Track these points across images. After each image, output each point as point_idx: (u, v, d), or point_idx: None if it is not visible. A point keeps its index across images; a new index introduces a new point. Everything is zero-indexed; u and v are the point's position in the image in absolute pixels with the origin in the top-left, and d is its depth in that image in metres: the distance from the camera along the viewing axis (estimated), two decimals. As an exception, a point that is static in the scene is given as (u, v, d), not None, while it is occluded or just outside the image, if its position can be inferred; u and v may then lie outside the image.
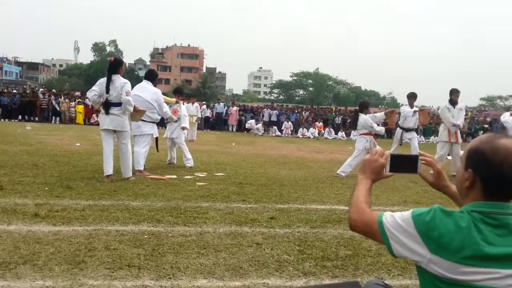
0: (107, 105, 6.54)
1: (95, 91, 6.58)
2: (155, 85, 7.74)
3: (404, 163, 1.83)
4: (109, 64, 6.77)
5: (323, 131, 26.90)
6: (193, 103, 18.28)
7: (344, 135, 25.90)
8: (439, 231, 1.44)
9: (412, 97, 10.30)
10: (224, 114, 28.54)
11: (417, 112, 10.05)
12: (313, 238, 4.13)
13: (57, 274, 2.97)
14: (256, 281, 3.04)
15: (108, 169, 6.55)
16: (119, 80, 6.57)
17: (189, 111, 17.43)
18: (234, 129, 27.61)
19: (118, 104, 6.56)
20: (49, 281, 2.85)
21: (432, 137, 26.46)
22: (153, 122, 7.79)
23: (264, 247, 3.78)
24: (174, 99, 8.93)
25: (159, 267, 3.20)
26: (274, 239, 4.03)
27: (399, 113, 11.08)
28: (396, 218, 1.56)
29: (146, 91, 7.54)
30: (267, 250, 3.70)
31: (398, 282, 3.14)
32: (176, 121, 8.62)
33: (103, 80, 6.65)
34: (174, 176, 7.38)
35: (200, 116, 21.49)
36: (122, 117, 6.63)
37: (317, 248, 3.83)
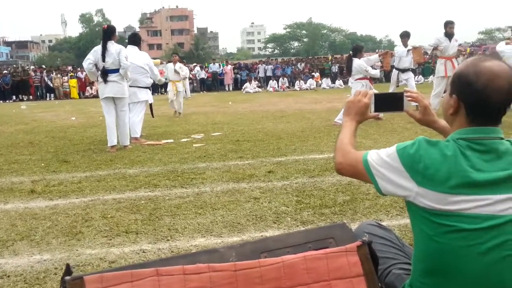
0: (105, 73, 6.46)
1: (90, 59, 6.51)
2: (140, 49, 7.56)
3: (389, 102, 1.75)
4: (103, 31, 6.66)
5: (320, 81, 26.58)
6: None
7: (342, 83, 25.59)
8: (425, 162, 1.39)
9: (405, 36, 10.03)
10: (219, 74, 28.17)
11: (411, 51, 9.82)
12: (311, 187, 4.10)
13: (55, 247, 2.97)
14: (254, 234, 3.03)
15: (113, 139, 6.51)
16: (114, 47, 6.50)
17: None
18: (231, 88, 27.35)
19: (116, 71, 6.49)
20: (47, 255, 2.84)
21: (431, 76, 26.05)
22: (147, 88, 7.70)
23: (262, 201, 3.75)
24: (158, 61, 8.80)
25: (156, 230, 3.19)
26: (272, 192, 4.01)
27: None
28: (381, 155, 1.50)
29: (136, 56, 7.37)
30: (265, 203, 3.68)
31: (397, 222, 3.12)
32: (164, 83, 8.52)
33: (97, 48, 6.56)
34: (171, 140, 7.32)
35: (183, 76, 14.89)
36: (121, 83, 6.59)
37: (315, 196, 3.80)
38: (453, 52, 9.25)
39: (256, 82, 26.26)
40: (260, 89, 25.23)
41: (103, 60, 6.42)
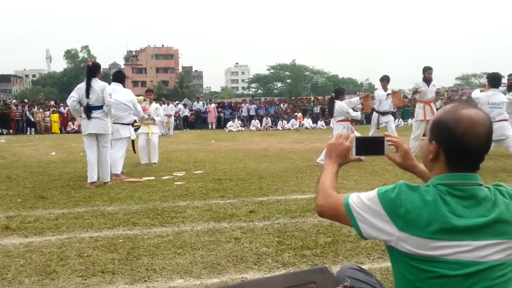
0: (88, 110, 6.44)
1: (74, 96, 6.52)
2: (124, 86, 7.59)
3: (370, 145, 1.78)
4: (88, 68, 6.68)
5: (302, 121, 26.93)
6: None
7: (324, 124, 25.97)
8: (406, 207, 1.40)
9: (384, 80, 10.33)
10: (203, 112, 28.37)
11: (390, 95, 10.08)
12: (292, 228, 4.08)
13: (27, 287, 2.85)
14: (234, 276, 2.97)
15: (93, 176, 6.44)
16: (98, 84, 6.52)
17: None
18: (214, 127, 27.48)
19: (99, 107, 6.49)
20: (18, 295, 2.73)
21: (410, 119, 26.66)
22: (129, 124, 7.68)
23: (242, 241, 3.71)
24: (141, 97, 8.84)
25: (134, 270, 3.10)
26: (253, 232, 3.96)
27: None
28: (362, 199, 1.51)
29: (120, 93, 7.38)
30: (245, 244, 3.63)
31: (378, 265, 3.10)
32: (147, 119, 8.55)
33: (81, 85, 6.57)
34: (152, 178, 7.25)
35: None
36: (105, 119, 6.57)
37: (297, 238, 3.78)
38: (432, 96, 9.53)
39: (239, 121, 26.49)
40: (243, 128, 25.43)
41: (87, 96, 6.42)
